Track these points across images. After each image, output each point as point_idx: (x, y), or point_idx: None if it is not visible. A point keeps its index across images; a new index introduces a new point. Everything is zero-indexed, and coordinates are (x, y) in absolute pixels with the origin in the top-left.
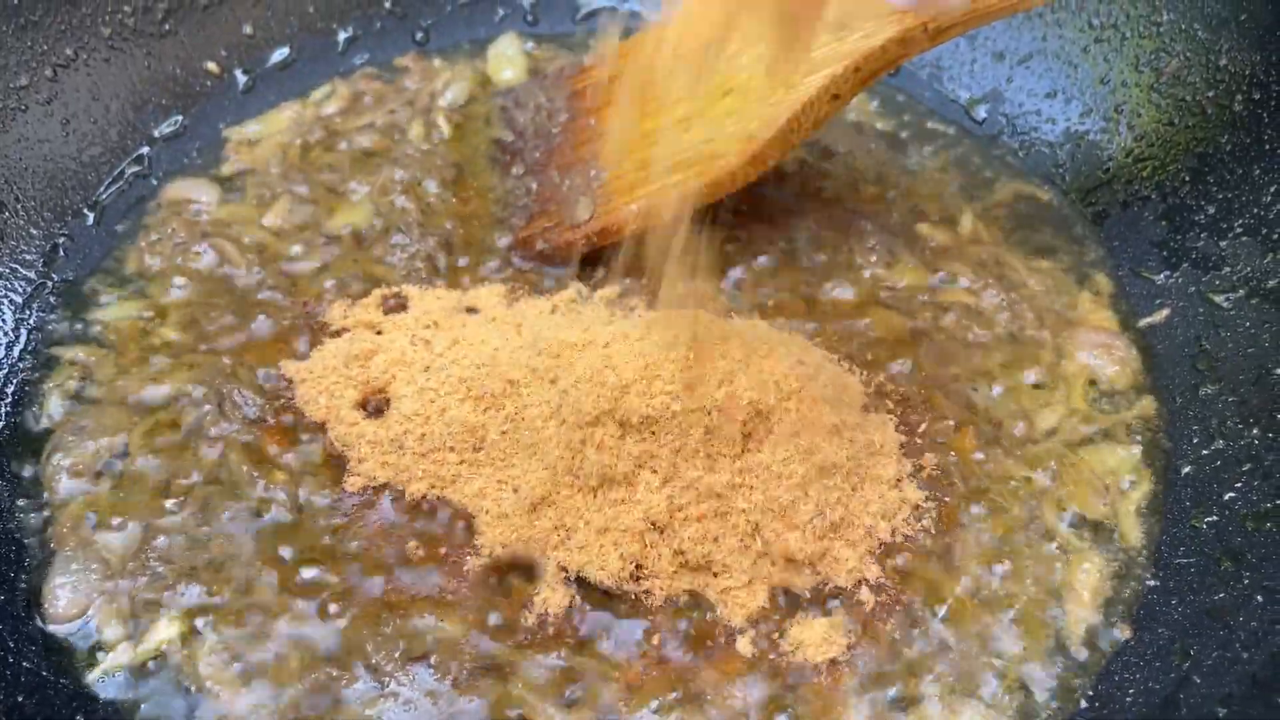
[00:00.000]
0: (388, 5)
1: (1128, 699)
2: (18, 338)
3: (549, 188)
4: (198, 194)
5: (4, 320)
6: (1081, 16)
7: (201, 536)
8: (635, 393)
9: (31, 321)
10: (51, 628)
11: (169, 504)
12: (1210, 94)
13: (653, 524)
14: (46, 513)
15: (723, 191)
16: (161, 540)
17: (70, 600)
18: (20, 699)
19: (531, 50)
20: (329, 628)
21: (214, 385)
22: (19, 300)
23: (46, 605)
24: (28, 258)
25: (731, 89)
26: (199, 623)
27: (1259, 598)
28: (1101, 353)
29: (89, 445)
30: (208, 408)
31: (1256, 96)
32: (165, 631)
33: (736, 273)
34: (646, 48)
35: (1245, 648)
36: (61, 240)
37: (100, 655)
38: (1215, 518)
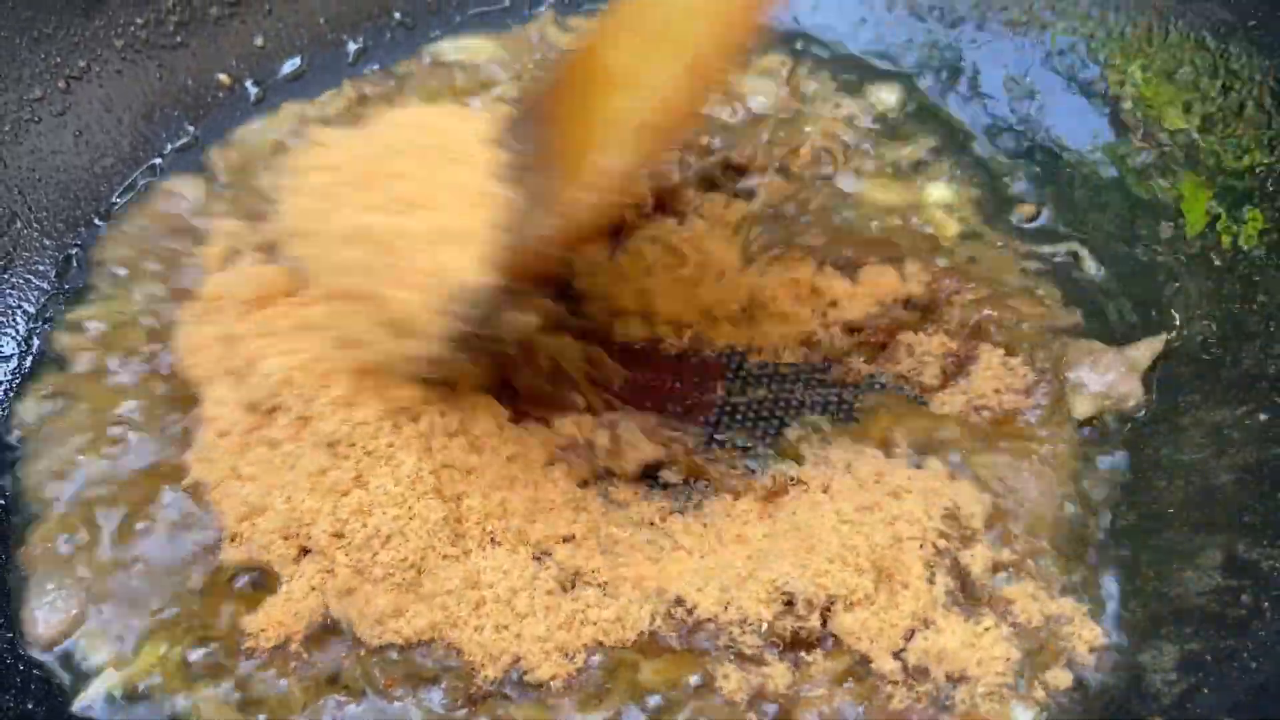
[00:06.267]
0: (398, 16)
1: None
2: (30, 348)
3: None
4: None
5: (17, 331)
6: None
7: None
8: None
9: (45, 332)
10: (34, 653)
11: None
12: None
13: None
14: (29, 527)
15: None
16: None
17: (53, 622)
18: None
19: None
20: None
21: None
22: (32, 310)
23: (27, 628)
24: (41, 268)
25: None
26: (190, 645)
27: (1266, 604)
28: None
29: (81, 457)
30: None
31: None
32: (155, 654)
33: None
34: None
35: (1254, 658)
36: (74, 251)
37: (86, 680)
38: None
